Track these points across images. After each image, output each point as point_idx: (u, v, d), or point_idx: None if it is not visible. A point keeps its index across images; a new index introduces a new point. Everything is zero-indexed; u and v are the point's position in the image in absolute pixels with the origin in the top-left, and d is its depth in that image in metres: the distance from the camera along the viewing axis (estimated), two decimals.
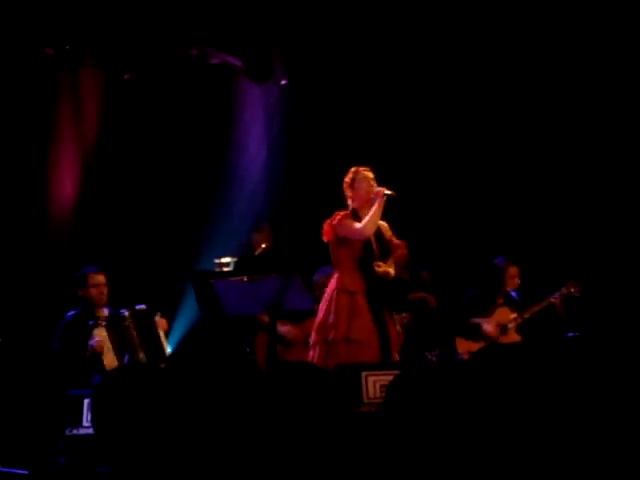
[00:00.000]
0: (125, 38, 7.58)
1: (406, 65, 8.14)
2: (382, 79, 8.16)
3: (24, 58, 7.43)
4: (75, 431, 5.14)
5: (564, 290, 7.13)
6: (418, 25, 7.95)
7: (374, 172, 6.03)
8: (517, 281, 7.26)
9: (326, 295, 5.97)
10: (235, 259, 7.12)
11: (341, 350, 5.73)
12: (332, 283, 5.95)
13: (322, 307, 5.92)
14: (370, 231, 5.92)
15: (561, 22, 7.81)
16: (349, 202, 6.05)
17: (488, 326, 7.14)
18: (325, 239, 5.99)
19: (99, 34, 7.51)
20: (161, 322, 6.44)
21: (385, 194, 5.88)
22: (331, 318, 5.80)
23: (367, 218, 5.91)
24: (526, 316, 7.17)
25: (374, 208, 5.89)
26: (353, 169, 6.03)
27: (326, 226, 5.96)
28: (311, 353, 5.89)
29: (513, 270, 7.24)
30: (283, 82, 8.26)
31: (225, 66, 8.12)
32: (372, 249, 5.98)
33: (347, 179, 6.02)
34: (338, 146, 7.92)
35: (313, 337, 5.91)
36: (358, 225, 5.91)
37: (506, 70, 8.05)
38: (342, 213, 5.97)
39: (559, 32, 7.83)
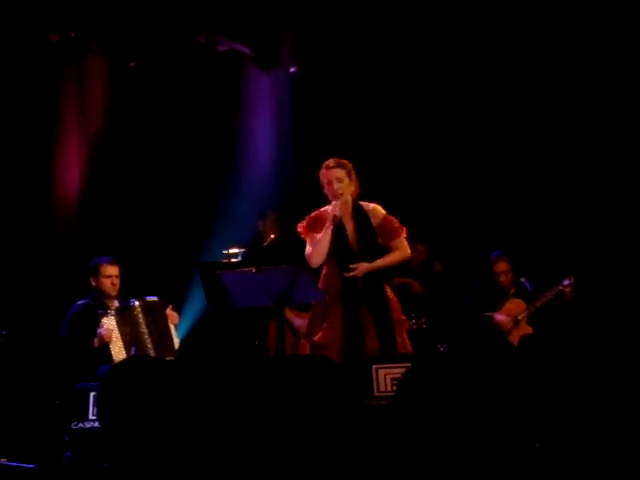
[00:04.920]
0: (132, 25, 7.55)
1: (416, 51, 8.08)
2: (392, 65, 8.12)
3: (29, 46, 7.39)
4: (81, 425, 5.14)
5: (573, 279, 7.02)
6: (429, 12, 7.88)
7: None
8: (502, 278, 7.09)
9: None
10: (243, 250, 7.06)
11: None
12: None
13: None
14: (315, 263, 5.47)
15: (561, 22, 7.77)
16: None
17: (501, 316, 7.04)
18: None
19: (105, 21, 7.49)
20: (172, 315, 6.39)
21: (334, 216, 5.41)
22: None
23: (311, 249, 5.47)
24: (538, 305, 7.04)
25: (321, 235, 5.43)
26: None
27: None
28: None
29: (500, 266, 7.10)
30: (292, 69, 8.22)
31: (233, 53, 8.09)
32: (348, 247, 5.51)
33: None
34: (348, 134, 7.86)
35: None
36: (307, 251, 5.51)
37: (510, 60, 7.99)
38: (304, 223, 5.55)
39: (559, 31, 7.79)
